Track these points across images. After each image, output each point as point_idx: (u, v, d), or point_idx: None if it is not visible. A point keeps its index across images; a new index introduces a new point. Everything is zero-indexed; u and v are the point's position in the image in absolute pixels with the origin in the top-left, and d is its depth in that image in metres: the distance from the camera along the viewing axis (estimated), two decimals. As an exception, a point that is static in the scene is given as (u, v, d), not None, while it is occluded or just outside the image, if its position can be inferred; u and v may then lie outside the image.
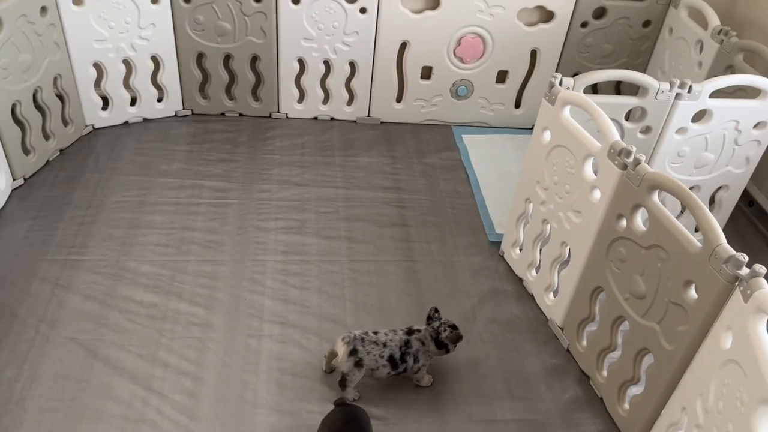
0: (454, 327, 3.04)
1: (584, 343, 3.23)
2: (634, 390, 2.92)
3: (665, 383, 2.63)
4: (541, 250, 3.52)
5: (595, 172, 3.01)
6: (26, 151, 3.99)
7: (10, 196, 3.90)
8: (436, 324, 3.03)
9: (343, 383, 2.95)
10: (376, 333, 2.98)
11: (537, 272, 3.57)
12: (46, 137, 4.13)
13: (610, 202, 2.89)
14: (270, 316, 3.35)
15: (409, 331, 3.02)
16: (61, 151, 4.30)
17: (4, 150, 3.78)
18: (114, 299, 3.32)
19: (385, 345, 2.94)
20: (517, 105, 4.98)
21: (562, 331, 3.37)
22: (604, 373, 3.09)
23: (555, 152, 3.24)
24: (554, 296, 3.47)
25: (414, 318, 3.43)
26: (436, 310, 3.08)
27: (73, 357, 3.02)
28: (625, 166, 2.79)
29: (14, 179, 3.95)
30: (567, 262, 3.34)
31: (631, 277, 2.79)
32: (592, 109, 2.99)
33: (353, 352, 2.89)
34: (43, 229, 3.70)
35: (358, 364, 2.88)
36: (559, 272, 3.39)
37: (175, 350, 3.11)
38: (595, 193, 3.00)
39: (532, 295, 3.63)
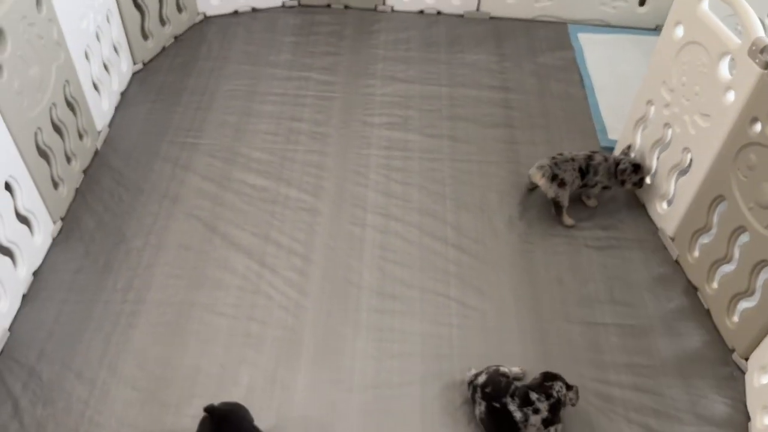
0: (637, 166, 3.30)
1: (696, 254, 3.11)
2: (746, 304, 2.82)
3: (785, 297, 2.52)
4: (658, 157, 3.36)
5: (731, 72, 2.79)
6: (145, 36, 4.13)
7: (131, 79, 4.10)
8: (622, 156, 3.36)
9: (558, 209, 3.35)
10: (560, 154, 3.34)
11: (652, 180, 3.42)
12: (162, 22, 4.26)
13: (745, 105, 2.68)
14: (373, 207, 3.42)
15: (593, 152, 3.39)
16: (175, 38, 4.43)
17: (126, 34, 3.94)
18: (229, 181, 3.49)
19: (573, 159, 3.31)
20: (642, 2, 4.60)
21: (673, 241, 3.26)
22: (715, 284, 2.98)
23: (687, 50, 3.00)
24: (668, 205, 3.33)
25: (516, 219, 3.41)
26: (629, 147, 3.39)
27: (194, 231, 3.24)
28: (767, 65, 2.55)
29: (134, 63, 4.13)
30: (686, 170, 3.17)
31: (760, 185, 2.62)
32: (736, 1, 2.72)
33: (554, 178, 3.27)
34: (162, 112, 3.89)
35: (562, 184, 3.26)
36: (677, 180, 3.24)
37: (286, 232, 3.27)
38: (729, 94, 2.78)
39: (644, 204, 3.50)
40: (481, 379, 2.57)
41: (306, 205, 3.40)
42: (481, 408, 2.53)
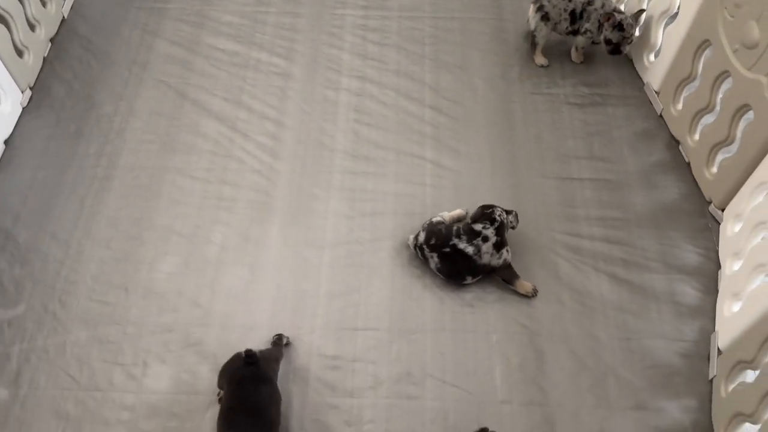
0: (621, 25, 3.10)
1: (680, 106, 3.00)
2: (725, 155, 2.74)
3: (762, 140, 2.43)
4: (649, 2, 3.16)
5: None
6: None
7: (97, -55, 3.89)
8: (618, 13, 3.14)
9: (533, 44, 3.29)
10: None
11: (641, 31, 3.24)
12: None
13: (737, -65, 2.47)
14: (348, 70, 3.31)
15: None
16: None
17: None
18: (199, 46, 3.38)
19: (570, 1, 3.19)
20: None
21: (658, 95, 3.13)
22: (696, 136, 2.89)
23: None
24: (655, 57, 3.18)
25: (497, 79, 3.29)
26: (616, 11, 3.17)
27: (164, 97, 3.18)
28: None
29: (99, -73, 3.89)
30: (674, 17, 2.99)
31: (746, 23, 2.46)
32: None
33: (539, 8, 3.20)
34: (130, -21, 3.72)
35: (545, 18, 3.19)
36: (664, 28, 3.06)
37: (258, 96, 3.20)
38: (721, -75, 2.56)
39: (631, 59, 3.34)
40: (422, 237, 2.60)
41: (278, 69, 3.30)
42: (434, 260, 2.57)
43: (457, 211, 2.76)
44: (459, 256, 2.53)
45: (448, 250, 2.54)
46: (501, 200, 2.85)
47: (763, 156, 2.47)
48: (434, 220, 2.65)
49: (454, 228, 2.60)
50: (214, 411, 2.28)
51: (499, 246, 2.55)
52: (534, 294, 2.59)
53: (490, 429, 2.14)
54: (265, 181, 2.91)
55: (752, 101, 2.47)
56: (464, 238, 2.54)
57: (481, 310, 2.57)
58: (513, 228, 2.66)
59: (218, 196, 2.86)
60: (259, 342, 2.45)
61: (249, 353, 2.11)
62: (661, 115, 3.13)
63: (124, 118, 3.10)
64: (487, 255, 2.53)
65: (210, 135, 3.05)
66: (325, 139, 3.06)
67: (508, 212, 2.65)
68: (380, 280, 2.64)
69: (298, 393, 2.36)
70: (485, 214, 2.61)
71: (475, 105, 3.21)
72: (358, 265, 2.68)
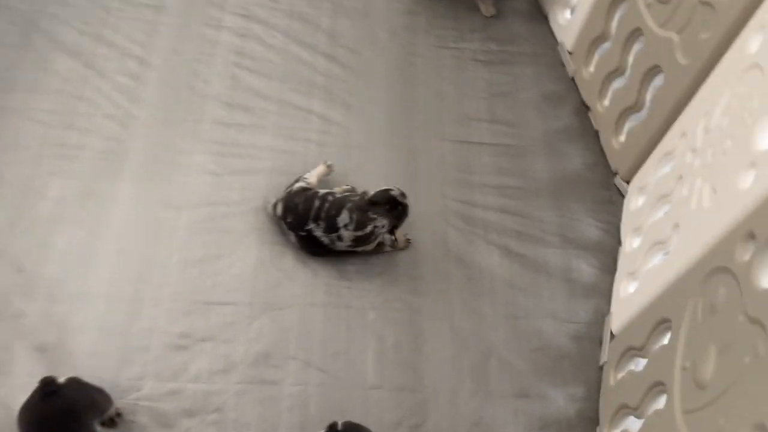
0: None
1: (591, 68, 2.75)
2: (633, 123, 2.52)
3: (670, 106, 2.21)
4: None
5: None
6: None
7: None
8: None
9: None
10: None
11: (555, -15, 2.98)
12: None
13: None
14: (233, 7, 2.90)
15: None
16: None
17: None
18: (56, -31, 2.90)
19: None
20: None
21: (571, 56, 2.89)
22: (606, 101, 2.66)
23: None
24: (570, 14, 2.92)
25: (401, 29, 2.97)
26: None
27: (10, 25, 2.69)
28: None
29: None
30: (591, -31, 2.74)
31: (661, -26, 2.22)
32: None
33: None
34: None
35: None
36: (579, -19, 2.81)
37: (123, 30, 2.75)
38: None
39: (546, 15, 3.08)
40: (280, 208, 2.27)
41: (150, 1, 2.86)
42: (291, 238, 2.27)
43: (321, 168, 2.41)
44: (314, 240, 2.22)
45: (304, 234, 2.22)
46: (393, 162, 2.57)
47: (671, 123, 2.26)
48: (296, 186, 2.30)
49: (315, 205, 2.21)
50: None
51: (357, 243, 2.23)
52: (407, 245, 2.33)
53: (340, 424, 1.82)
54: (119, 127, 2.50)
55: (663, 62, 2.24)
56: (321, 225, 2.20)
57: (359, 285, 2.28)
58: (393, 248, 2.33)
59: (61, 143, 2.43)
60: (93, 314, 2.09)
61: (46, 381, 1.66)
62: (572, 78, 2.89)
63: (-46, 47, 2.61)
64: (343, 245, 2.23)
65: (60, 72, 2.60)
66: (197, 84, 2.66)
67: (393, 230, 2.25)
68: (245, 248, 2.30)
69: (133, 376, 2.02)
70: (365, 214, 2.19)
71: (374, 56, 2.87)
72: (221, 229, 2.32)
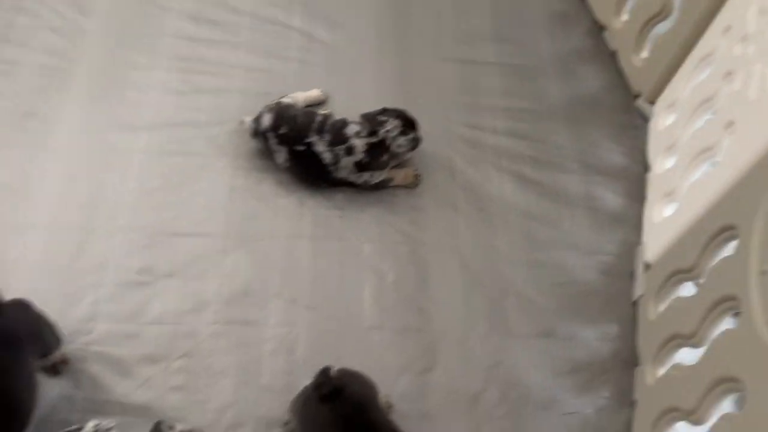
0: None
1: (606, -19, 2.46)
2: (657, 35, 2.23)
3: (706, 3, 1.92)
4: None
5: None
6: None
7: None
8: None
9: None
10: None
11: None
12: None
13: None
14: None
15: None
16: None
17: None
18: None
19: None
20: None
21: (581, -28, 2.59)
22: (625, 15, 2.36)
23: None
24: (578, -74, 2.63)
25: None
26: None
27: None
28: None
29: None
30: None
31: None
32: None
33: None
34: None
35: None
36: None
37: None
38: None
39: (550, -67, 2.78)
40: (267, 120, 1.91)
41: None
42: (282, 155, 1.90)
43: (314, 92, 2.10)
44: (313, 160, 1.87)
45: (302, 148, 1.87)
46: (384, 82, 2.24)
47: (707, 24, 1.97)
48: (284, 101, 1.97)
49: (317, 118, 1.92)
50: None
51: (361, 167, 1.90)
52: (416, 182, 2.01)
53: (333, 369, 1.49)
54: (65, 42, 2.13)
55: (697, -47, 1.95)
56: (326, 138, 1.87)
57: (352, 214, 1.95)
58: (400, 155, 1.95)
59: (-6, 58, 2.06)
60: (33, 247, 1.73)
61: None
62: (582, -2, 2.59)
63: None
64: (345, 170, 1.90)
65: (-7, -22, 2.23)
66: (158, -11, 2.30)
67: (405, 132, 1.92)
68: (216, 174, 1.95)
69: (82, 317, 1.66)
70: (375, 119, 1.90)
71: (362, -30, 2.54)
72: (186, 152, 1.97)
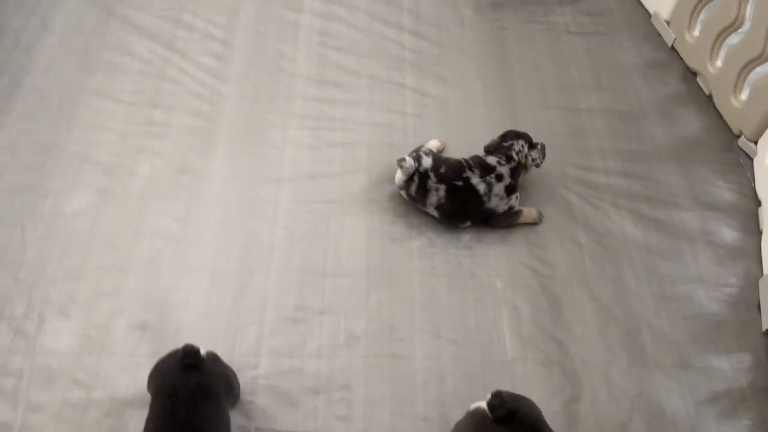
0: None
1: (696, 31, 2.59)
2: (757, 75, 2.33)
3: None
4: None
5: None
6: None
7: None
8: None
9: None
10: None
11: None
12: None
13: None
14: (313, -9, 2.81)
15: None
16: None
17: None
18: (132, -40, 2.83)
19: None
20: None
21: (668, 25, 2.73)
22: (719, 62, 2.48)
23: None
24: (663, -18, 2.79)
25: (486, 6, 2.84)
26: None
27: (87, 14, 2.59)
28: None
29: None
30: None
31: None
32: None
33: None
34: None
35: None
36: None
37: (202, 14, 2.64)
38: None
39: (634, -11, 2.95)
40: (428, 162, 2.06)
41: (228, -12, 2.77)
42: (439, 194, 2.04)
43: (435, 142, 2.27)
44: (469, 193, 2.03)
45: (460, 183, 2.02)
46: (497, 131, 2.37)
47: (812, 64, 2.07)
48: (425, 149, 2.14)
49: (464, 160, 2.10)
50: (134, 377, 1.69)
51: (510, 190, 2.07)
52: (540, 218, 2.12)
53: (503, 391, 1.59)
54: (207, 105, 2.35)
55: (799, -2, 2.07)
56: (477, 172, 2.05)
57: (481, 252, 2.06)
58: (537, 166, 2.16)
59: (147, 121, 2.28)
60: (197, 289, 1.88)
61: (188, 351, 1.45)
62: (672, 47, 2.72)
63: (34, 35, 2.50)
64: (496, 198, 2.05)
65: (140, 54, 2.48)
66: (283, 63, 2.53)
67: (531, 146, 2.15)
68: (353, 219, 2.10)
69: (247, 352, 1.79)
70: (502, 147, 2.12)
71: (463, 32, 2.73)
72: (326, 201, 2.13)
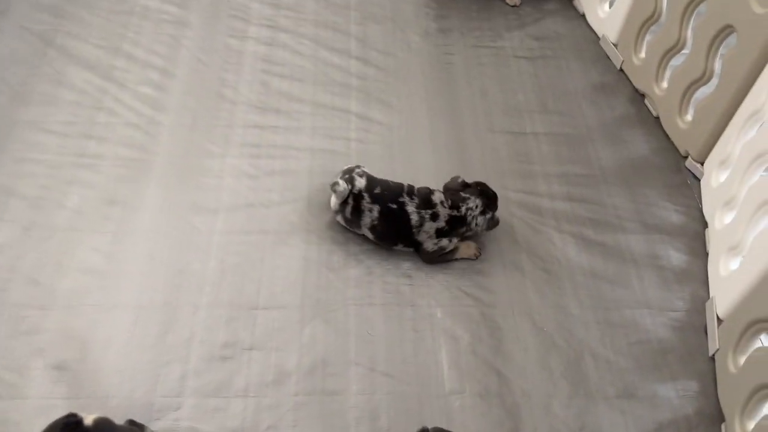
0: None
1: (642, 54, 2.59)
2: (700, 96, 2.32)
3: (748, 66, 2.02)
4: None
5: None
6: None
7: None
8: None
9: None
10: None
11: (590, -22, 2.86)
12: None
13: None
14: (257, 19, 2.76)
15: None
16: None
17: None
18: (74, -9, 2.78)
19: None
20: None
21: (616, 47, 2.73)
22: (665, 83, 2.48)
23: None
24: (609, 6, 2.79)
25: (434, 31, 2.83)
26: None
27: (24, 44, 2.52)
28: None
29: None
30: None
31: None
32: None
33: None
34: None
35: None
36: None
37: (143, 44, 2.59)
38: None
39: (582, 14, 2.95)
40: (361, 183, 2.01)
41: (171, 17, 2.72)
42: (372, 214, 1.98)
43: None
44: (401, 219, 1.98)
45: (394, 206, 1.98)
46: (443, 155, 2.36)
47: (751, 84, 2.05)
48: (359, 170, 2.09)
49: (406, 185, 2.05)
50: (49, 421, 1.58)
51: (441, 233, 2.00)
52: (478, 254, 2.05)
53: (431, 429, 1.52)
54: (142, 135, 2.29)
55: (735, 19, 2.06)
56: (415, 201, 2.00)
57: (420, 281, 2.00)
58: (476, 233, 2.05)
59: (79, 152, 2.21)
60: (121, 326, 1.80)
61: (68, 421, 1.35)
62: (621, 69, 2.72)
63: (-34, 67, 2.44)
64: (425, 235, 1.99)
65: (76, 85, 2.42)
66: (226, 91, 2.48)
67: (485, 210, 2.02)
68: (290, 249, 2.03)
69: (169, 393, 1.70)
70: (458, 193, 2.02)
71: (409, 57, 2.71)
72: (262, 231, 2.06)
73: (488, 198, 2.03)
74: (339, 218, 2.05)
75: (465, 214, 2.00)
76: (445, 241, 1.99)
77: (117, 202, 2.09)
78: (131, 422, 1.54)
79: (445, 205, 1.99)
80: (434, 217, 1.97)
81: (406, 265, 2.03)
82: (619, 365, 1.85)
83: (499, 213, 2.13)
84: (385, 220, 1.97)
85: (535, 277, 2.03)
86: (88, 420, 1.38)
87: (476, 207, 2.01)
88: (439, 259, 2.02)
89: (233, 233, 2.04)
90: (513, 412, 1.74)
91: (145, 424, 1.59)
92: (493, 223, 2.07)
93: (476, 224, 2.02)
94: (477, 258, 2.05)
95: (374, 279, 1.98)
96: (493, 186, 2.22)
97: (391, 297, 1.95)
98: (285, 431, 1.65)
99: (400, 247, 2.03)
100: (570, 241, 2.13)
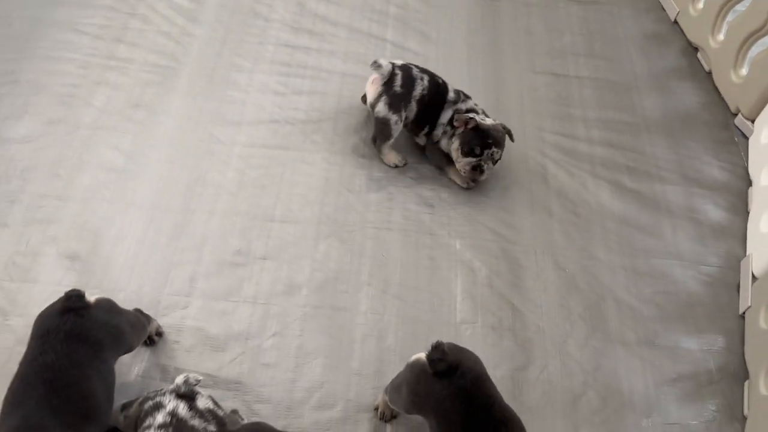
0: None
1: (700, 4, 2.44)
2: (757, 50, 2.17)
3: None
4: None
5: None
6: None
7: None
8: None
9: None
10: None
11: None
12: None
13: None
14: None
15: None
16: None
17: None
18: None
19: None
20: None
21: (673, -3, 2.58)
22: (721, 36, 2.33)
23: None
24: (670, -47, 2.64)
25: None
26: None
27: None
28: None
29: None
30: None
31: None
32: None
33: None
34: None
35: None
36: None
37: (183, -44, 2.55)
38: None
39: (639, -40, 2.80)
40: (398, 62, 1.99)
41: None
42: (423, 83, 1.96)
43: None
44: (441, 96, 1.99)
45: (440, 81, 2.01)
46: (478, 92, 2.24)
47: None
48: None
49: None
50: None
51: (449, 124, 1.98)
52: (468, 185, 1.97)
53: (446, 343, 1.45)
54: (173, 44, 2.25)
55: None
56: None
57: (442, 212, 1.93)
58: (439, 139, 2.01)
59: (109, 55, 2.19)
60: (135, 224, 1.78)
61: (70, 294, 1.33)
62: (675, 21, 2.57)
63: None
64: (440, 128, 2.00)
65: (112, -11, 2.39)
66: (260, 8, 2.42)
67: (493, 149, 1.91)
68: (311, 167, 1.98)
69: (178, 291, 1.68)
70: (471, 131, 1.93)
71: (452, -8, 2.61)
72: (284, 147, 2.02)
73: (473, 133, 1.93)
74: (381, 104, 1.93)
75: (455, 126, 1.95)
76: (445, 140, 2.00)
77: (142, 106, 2.06)
78: (138, 311, 1.52)
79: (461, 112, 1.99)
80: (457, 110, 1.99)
81: (429, 195, 1.96)
82: (643, 313, 1.77)
83: (532, 153, 2.05)
84: (430, 92, 1.96)
85: (563, 219, 1.94)
86: (91, 298, 1.36)
87: (496, 153, 1.92)
88: (437, 158, 2.03)
89: (255, 146, 2.00)
90: (525, 346, 1.67)
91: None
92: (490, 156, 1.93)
93: (442, 132, 1.99)
94: (468, 188, 1.98)
95: (395, 205, 1.92)
96: (529, 126, 2.14)
97: (410, 224, 1.89)
98: (290, 339, 1.62)
99: (425, 130, 2.00)
100: (604, 187, 2.03)
